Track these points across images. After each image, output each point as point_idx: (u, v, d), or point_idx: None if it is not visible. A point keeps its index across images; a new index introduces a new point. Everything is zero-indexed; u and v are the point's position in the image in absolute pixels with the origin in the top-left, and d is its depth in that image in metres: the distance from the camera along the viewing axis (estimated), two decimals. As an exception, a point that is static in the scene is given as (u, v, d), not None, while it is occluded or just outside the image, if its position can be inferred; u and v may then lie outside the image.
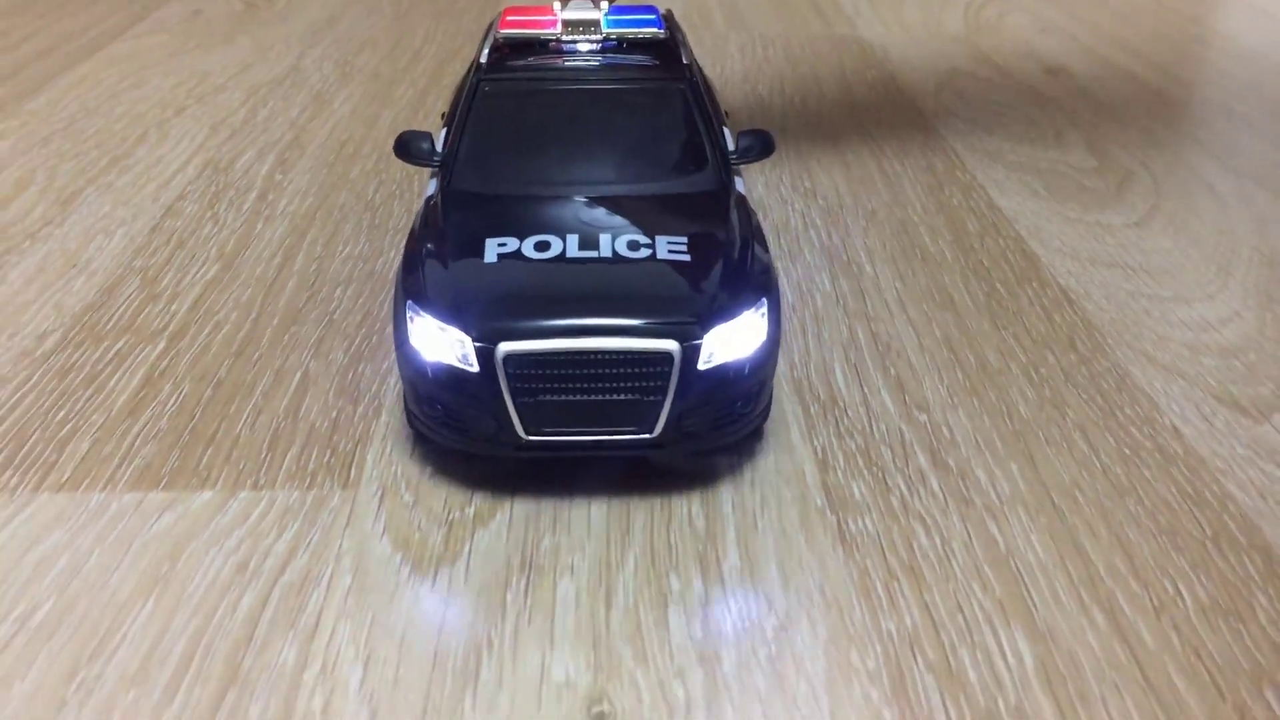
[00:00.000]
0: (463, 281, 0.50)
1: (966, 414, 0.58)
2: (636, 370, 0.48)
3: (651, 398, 0.49)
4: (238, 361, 0.61)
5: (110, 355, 0.62)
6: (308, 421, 0.56)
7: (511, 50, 0.62)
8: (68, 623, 0.44)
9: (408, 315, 0.50)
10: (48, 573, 0.47)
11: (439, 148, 0.58)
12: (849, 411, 0.58)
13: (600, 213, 0.54)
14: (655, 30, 0.64)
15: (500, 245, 0.51)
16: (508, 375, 0.48)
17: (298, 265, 0.72)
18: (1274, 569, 0.48)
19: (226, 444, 0.55)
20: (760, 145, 0.59)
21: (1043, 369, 0.62)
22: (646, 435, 0.49)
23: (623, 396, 0.49)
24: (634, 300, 0.49)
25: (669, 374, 0.48)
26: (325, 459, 0.54)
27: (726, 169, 0.57)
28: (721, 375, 0.49)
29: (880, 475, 0.53)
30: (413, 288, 0.51)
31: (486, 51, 0.62)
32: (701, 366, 0.49)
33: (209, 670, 0.42)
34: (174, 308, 0.66)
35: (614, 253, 0.51)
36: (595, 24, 0.63)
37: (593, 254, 0.51)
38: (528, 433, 0.49)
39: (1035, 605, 0.46)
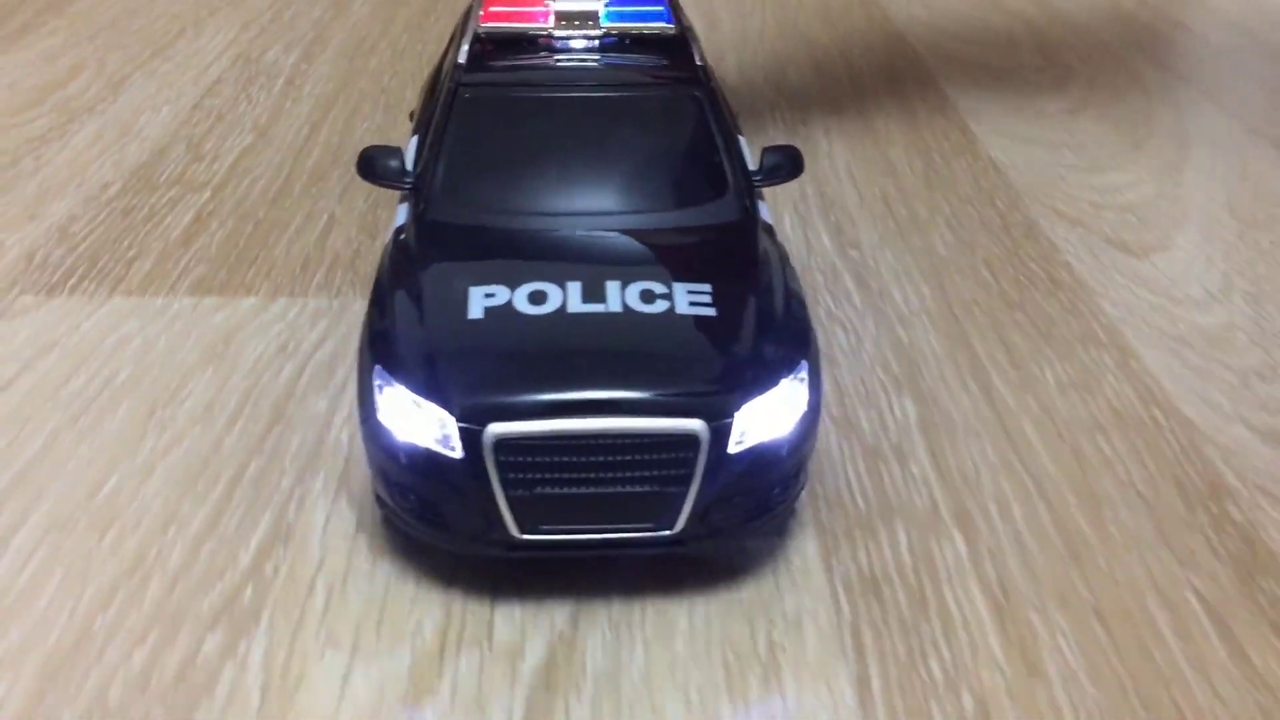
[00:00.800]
0: (443, 344, 0.42)
1: (893, 253, 0.68)
2: (655, 456, 0.40)
3: (673, 488, 0.41)
4: (273, 207, 0.72)
5: (164, 200, 0.72)
6: (334, 250, 0.67)
7: (495, 47, 0.54)
8: (144, 382, 0.55)
9: (375, 384, 0.42)
10: (125, 350, 0.57)
11: (409, 164, 0.50)
12: (792, 249, 0.68)
13: (605, 251, 0.46)
14: (663, 24, 0.55)
15: (488, 296, 0.43)
16: (498, 463, 0.40)
17: (323, 136, 0.82)
18: (1127, 362, 0.58)
19: (266, 265, 0.65)
20: (789, 164, 0.51)
21: (963, 220, 0.72)
22: (666, 532, 0.42)
23: (638, 489, 0.41)
24: (651, 368, 0.41)
25: (694, 460, 0.40)
26: (349, 278, 0.64)
27: (750, 194, 0.49)
28: (756, 458, 0.41)
29: (812, 293, 0.63)
30: (381, 350, 0.42)
31: (465, 49, 0.53)
32: (732, 449, 0.41)
33: (258, 413, 0.53)
34: (216, 167, 0.77)
35: (624, 305, 0.42)
36: (593, 16, 0.55)
37: (599, 308, 0.42)
38: (523, 531, 0.41)
39: (924, 381, 0.56)
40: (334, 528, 0.47)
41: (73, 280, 0.63)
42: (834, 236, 0.70)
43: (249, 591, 0.44)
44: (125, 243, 0.67)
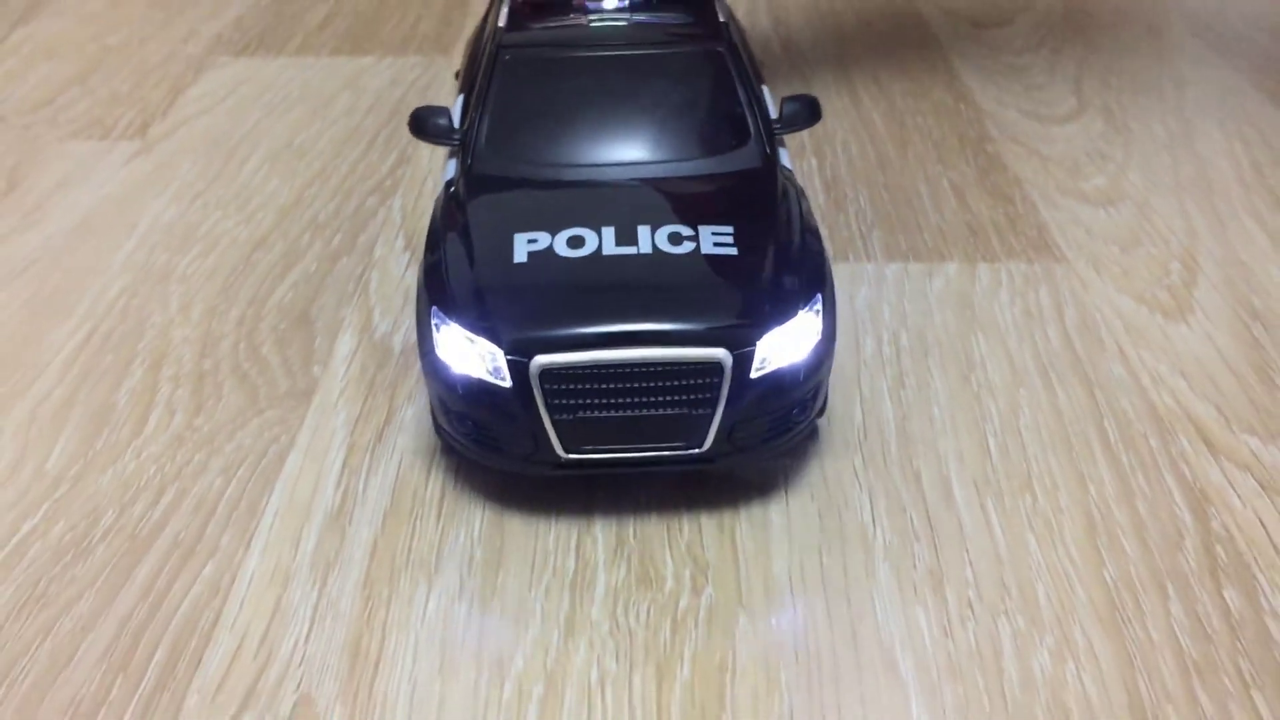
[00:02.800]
0: (491, 285, 0.46)
1: (811, 32, 0.96)
2: (684, 382, 0.45)
3: (700, 410, 0.45)
4: (381, 6, 1.02)
5: (307, 3, 1.02)
6: (423, 32, 0.97)
7: (532, 11, 0.58)
8: (306, 99, 0.86)
9: (433, 323, 0.46)
10: (292, 84, 0.88)
11: (456, 121, 0.54)
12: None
13: (636, 198, 0.50)
14: None
15: (530, 242, 0.47)
16: (544, 391, 0.44)
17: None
18: (953, 82, 0.86)
19: (378, 40, 0.96)
20: (807, 112, 0.55)
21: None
22: (695, 450, 0.46)
23: (669, 411, 0.45)
24: (679, 303, 0.45)
25: (719, 385, 0.45)
26: (433, 47, 0.94)
27: (770, 142, 0.53)
28: (776, 382, 0.45)
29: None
30: (437, 292, 0.47)
31: (505, 14, 0.58)
32: (754, 375, 0.45)
33: (381, 108, 0.83)
34: (335, -11, 1.07)
35: (654, 247, 0.47)
36: None
37: (631, 250, 0.46)
38: (567, 451, 0.46)
39: (812, 88, 0.85)
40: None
41: (251, 47, 0.94)
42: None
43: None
44: (282, 28, 0.98)
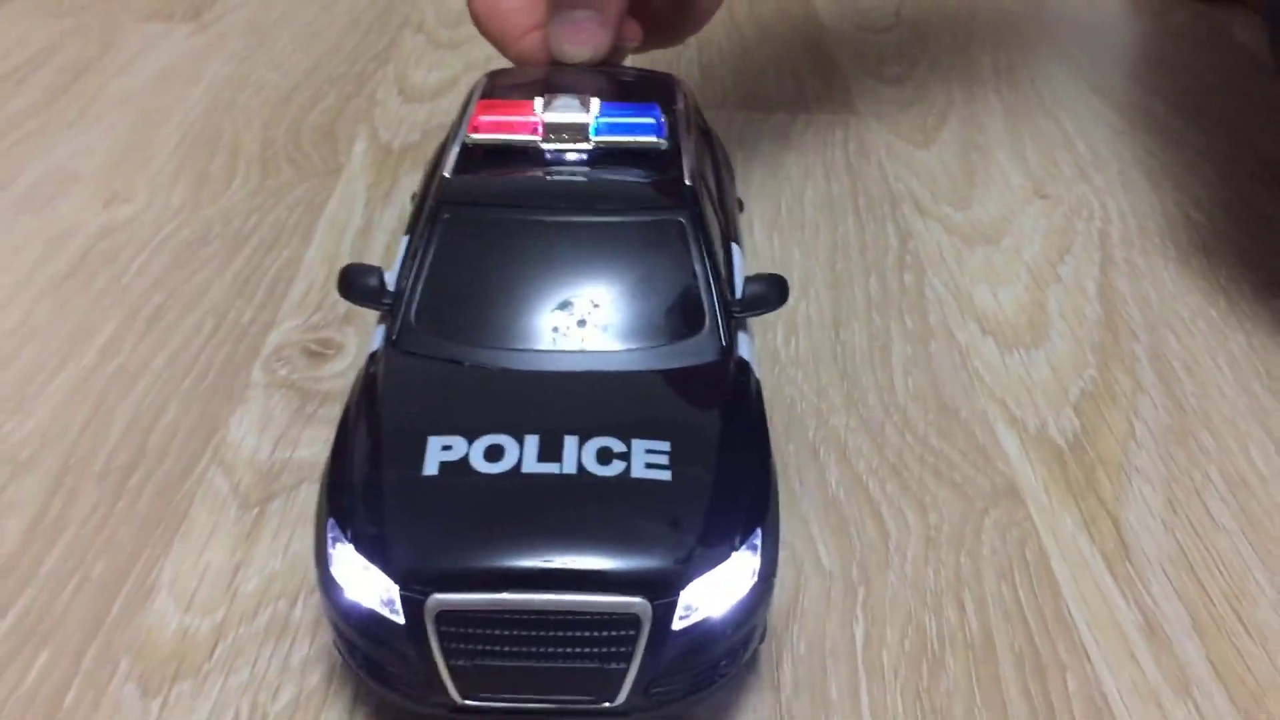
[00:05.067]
0: (394, 502, 0.42)
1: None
2: (597, 633, 0.41)
3: (614, 664, 0.41)
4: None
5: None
6: None
7: (483, 157, 0.53)
8: (320, -1, 1.13)
9: (330, 536, 0.42)
10: None
11: (392, 277, 0.51)
12: None
13: (570, 397, 0.46)
14: (654, 138, 0.53)
15: (445, 449, 0.43)
16: (440, 633, 0.40)
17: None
18: (821, 49, 1.16)
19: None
20: (774, 293, 0.51)
21: (779, 27, 1.28)
22: (607, 704, 0.42)
23: (579, 663, 0.41)
24: (597, 540, 0.41)
25: (636, 637, 0.40)
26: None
27: (728, 328, 0.49)
28: (701, 633, 0.41)
29: None
30: (336, 501, 0.43)
31: (454, 156, 0.53)
32: (677, 626, 0.41)
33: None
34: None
35: (579, 466, 0.42)
36: (583, 129, 0.53)
37: (554, 468, 0.42)
38: (464, 697, 0.42)
39: (711, 49, 1.13)
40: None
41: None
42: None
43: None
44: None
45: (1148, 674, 0.49)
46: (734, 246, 0.56)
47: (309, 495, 0.56)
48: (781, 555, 0.47)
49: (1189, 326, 0.70)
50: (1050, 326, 0.70)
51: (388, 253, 0.74)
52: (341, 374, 0.64)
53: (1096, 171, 0.87)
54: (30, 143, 0.86)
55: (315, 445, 0.59)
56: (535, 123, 0.53)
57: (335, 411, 0.60)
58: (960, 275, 0.75)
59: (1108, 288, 0.74)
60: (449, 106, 0.93)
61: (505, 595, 0.40)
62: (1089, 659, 0.49)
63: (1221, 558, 0.54)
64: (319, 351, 0.66)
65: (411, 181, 0.82)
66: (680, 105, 0.59)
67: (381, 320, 0.50)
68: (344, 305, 0.69)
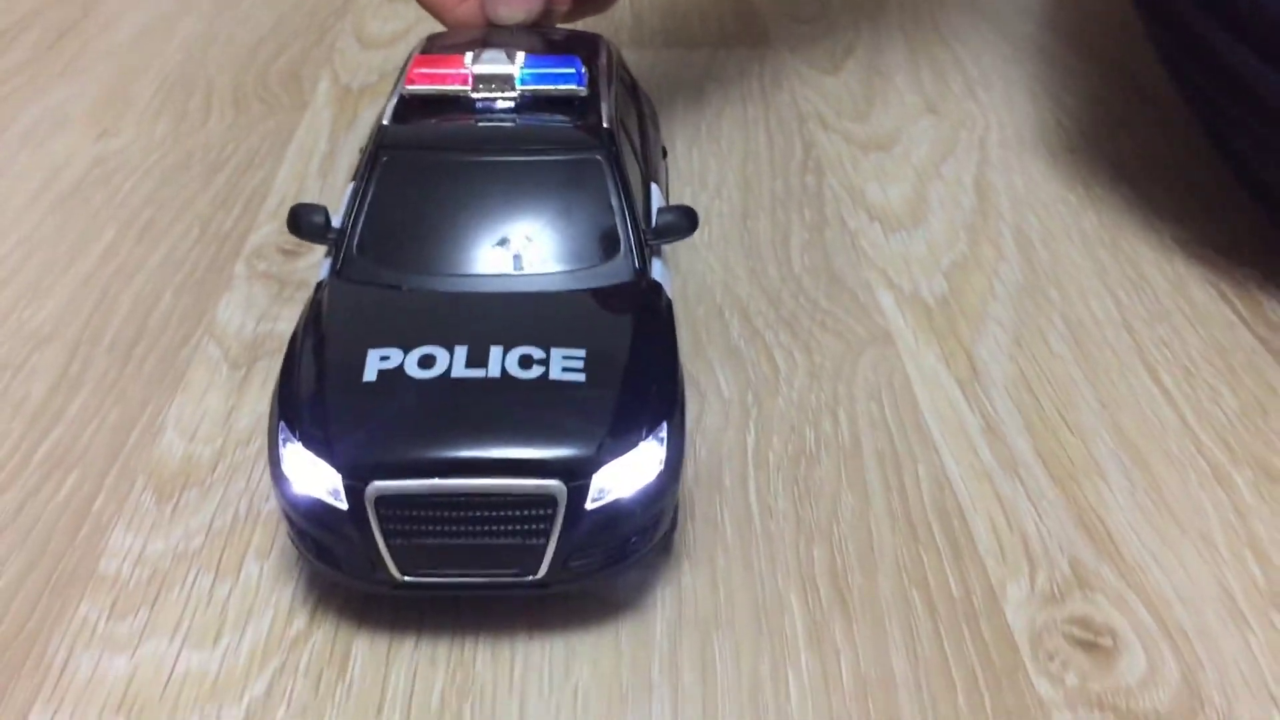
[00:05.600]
0: (337, 405, 0.47)
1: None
2: (519, 512, 0.45)
3: (535, 540, 0.46)
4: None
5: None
6: None
7: (419, 106, 0.58)
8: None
9: (280, 438, 0.47)
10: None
11: (339, 217, 0.55)
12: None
13: (496, 314, 0.50)
14: (575, 87, 0.58)
15: (383, 359, 0.48)
16: (379, 515, 0.45)
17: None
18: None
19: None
20: (685, 223, 0.56)
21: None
22: (530, 577, 0.47)
23: (504, 540, 0.46)
24: (518, 432, 0.46)
25: (553, 516, 0.46)
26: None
27: (641, 255, 0.54)
28: (613, 513, 0.46)
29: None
30: (286, 405, 0.48)
31: (391, 107, 0.58)
32: (590, 506, 0.46)
33: None
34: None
35: (503, 371, 0.47)
36: (509, 79, 0.57)
37: (480, 373, 0.47)
38: (403, 573, 0.47)
39: (633, -39, 1.23)
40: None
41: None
42: None
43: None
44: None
45: (984, 460, 0.59)
46: (653, 186, 0.61)
47: (289, 356, 0.66)
48: (687, 389, 0.56)
49: (1049, 210, 0.81)
50: (930, 213, 0.81)
51: (350, 177, 0.84)
52: (313, 267, 0.74)
53: (984, 91, 0.98)
54: (23, 92, 0.95)
55: (293, 321, 0.68)
56: (466, 74, 0.57)
57: (307, 292, 0.70)
58: (855, 176, 0.85)
59: (982, 181, 0.84)
60: (403, 52, 1.02)
61: (436, 481, 0.44)
62: (937, 453, 0.60)
63: (1055, 379, 0.65)
64: (293, 250, 0.75)
65: (370, 115, 0.92)
66: (603, 60, 0.65)
67: (328, 254, 0.55)
68: (313, 213, 0.79)
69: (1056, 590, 0.52)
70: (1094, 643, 0.50)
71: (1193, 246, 0.77)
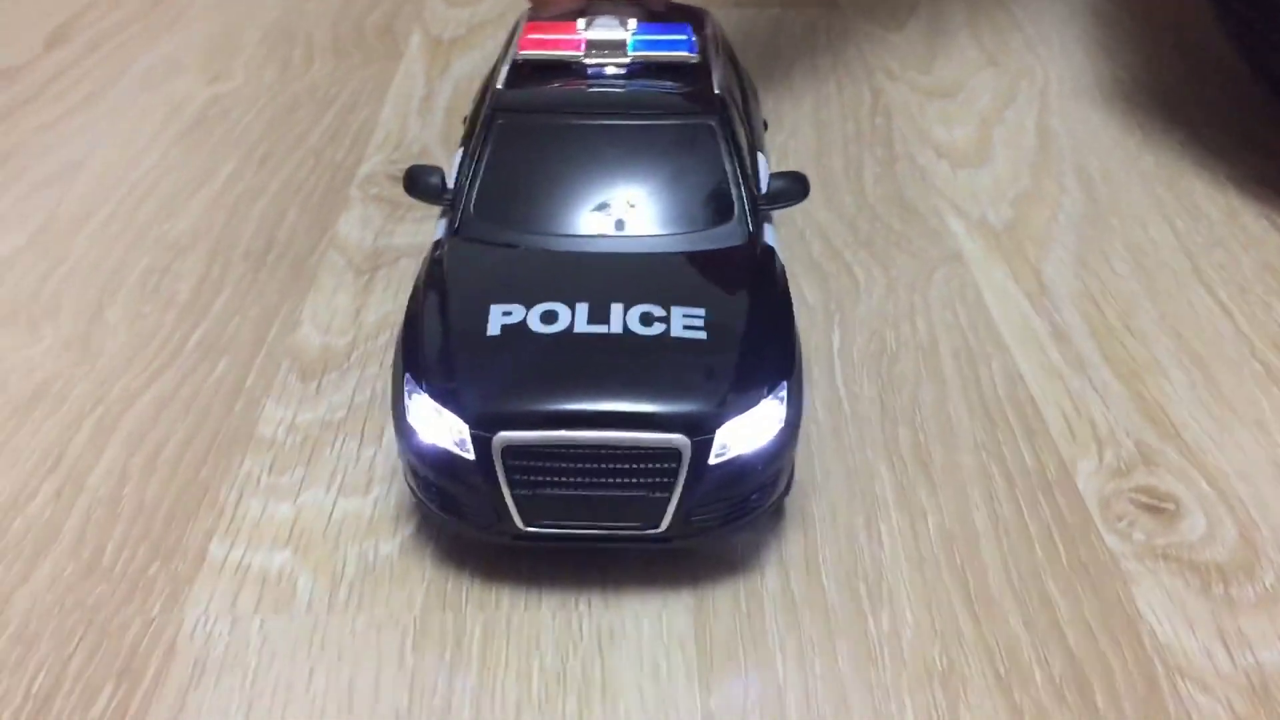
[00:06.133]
0: (462, 358, 0.48)
1: None
2: (642, 465, 0.46)
3: (658, 494, 0.47)
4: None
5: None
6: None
7: (531, 72, 0.58)
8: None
9: (405, 389, 0.48)
10: None
11: (452, 178, 0.56)
12: None
13: (616, 273, 0.51)
14: (686, 54, 0.59)
15: (505, 315, 0.48)
16: (505, 466, 0.46)
17: None
18: None
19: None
20: (797, 188, 0.56)
21: None
22: (652, 530, 0.48)
23: (627, 492, 0.47)
24: (642, 387, 0.46)
25: (677, 470, 0.46)
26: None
27: (755, 218, 0.54)
28: (734, 469, 0.47)
29: None
30: (411, 358, 0.49)
31: (505, 72, 0.59)
32: (713, 461, 0.46)
33: None
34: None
35: (625, 328, 0.48)
36: (621, 45, 0.58)
37: (602, 329, 0.48)
38: (526, 523, 0.47)
39: None
40: None
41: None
42: None
43: None
44: None
45: (1053, 360, 0.64)
46: (760, 155, 0.61)
47: (408, 266, 0.71)
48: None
49: (1108, 152, 0.86)
50: (994, 152, 0.85)
51: (447, 116, 0.90)
52: (421, 192, 0.79)
53: (1043, 47, 1.03)
54: (136, 41, 1.02)
55: (407, 236, 0.75)
56: (578, 40, 0.59)
57: (420, 214, 0.76)
58: (922, 119, 0.90)
59: (1043, 126, 0.89)
60: (488, 8, 1.08)
61: (564, 432, 0.45)
62: (1009, 353, 0.65)
63: (1117, 294, 0.70)
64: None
65: (462, 66, 0.98)
66: (709, 31, 0.66)
67: (444, 215, 0.56)
68: (419, 146, 0.85)
69: (1123, 465, 0.57)
70: (1158, 507, 0.55)
71: (1247, 183, 0.81)
